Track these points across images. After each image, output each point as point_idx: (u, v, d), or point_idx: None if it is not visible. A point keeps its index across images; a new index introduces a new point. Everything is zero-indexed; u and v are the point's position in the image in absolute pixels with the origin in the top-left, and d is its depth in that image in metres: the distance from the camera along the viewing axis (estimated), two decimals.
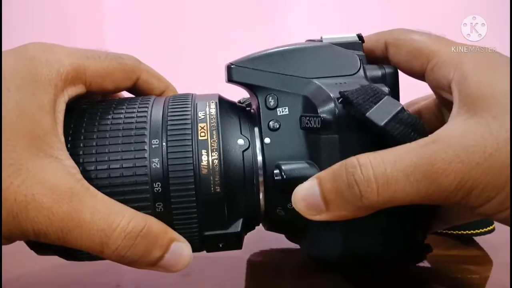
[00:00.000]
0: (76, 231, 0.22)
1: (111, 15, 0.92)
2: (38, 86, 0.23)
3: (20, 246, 0.26)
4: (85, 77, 0.26)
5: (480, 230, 0.37)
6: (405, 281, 0.32)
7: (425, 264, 0.33)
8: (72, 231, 0.22)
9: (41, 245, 0.24)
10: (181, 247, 0.25)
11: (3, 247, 0.24)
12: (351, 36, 0.29)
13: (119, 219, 0.23)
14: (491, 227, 0.38)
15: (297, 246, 0.35)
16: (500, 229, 0.37)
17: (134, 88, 0.30)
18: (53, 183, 0.22)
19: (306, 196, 0.24)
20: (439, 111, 0.29)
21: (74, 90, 0.26)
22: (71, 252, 0.25)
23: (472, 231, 0.37)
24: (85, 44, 0.28)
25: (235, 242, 0.27)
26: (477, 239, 0.38)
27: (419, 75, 0.27)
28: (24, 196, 0.22)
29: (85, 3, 0.91)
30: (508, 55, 0.25)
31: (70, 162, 0.23)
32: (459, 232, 0.38)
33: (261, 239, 0.37)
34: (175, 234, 0.25)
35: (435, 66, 0.26)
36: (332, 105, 0.25)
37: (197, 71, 0.79)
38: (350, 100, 0.24)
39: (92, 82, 0.26)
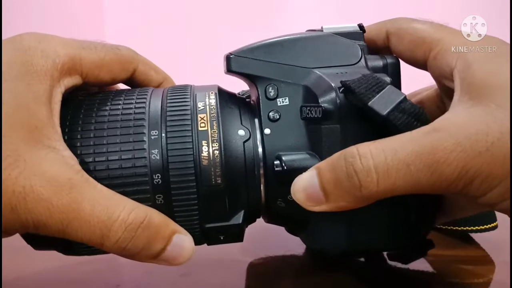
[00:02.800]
0: (76, 223, 0.22)
1: (111, 13, 0.93)
2: (33, 77, 0.23)
3: (20, 244, 0.25)
4: (81, 67, 0.26)
5: (483, 226, 0.37)
6: (405, 282, 0.31)
7: (424, 264, 0.33)
8: (72, 222, 0.22)
9: (39, 239, 0.24)
10: (183, 240, 0.25)
11: (3, 245, 0.24)
12: (352, 26, 0.29)
13: (119, 211, 0.23)
14: (493, 224, 0.37)
15: (297, 245, 0.35)
16: (502, 226, 0.37)
17: (131, 80, 0.29)
18: (52, 174, 0.22)
19: (305, 186, 0.24)
20: (441, 101, 0.29)
21: (70, 80, 0.25)
22: (69, 246, 0.25)
23: (474, 227, 0.37)
24: (85, 38, 0.28)
25: (236, 235, 0.27)
26: (478, 238, 0.38)
27: (422, 64, 0.27)
28: (23, 188, 0.21)
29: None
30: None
31: (68, 153, 0.23)
32: (461, 228, 0.37)
33: (262, 237, 0.37)
34: (176, 226, 0.25)
35: (437, 54, 0.26)
36: (333, 94, 0.24)
37: (195, 66, 0.79)
38: (352, 89, 0.23)
39: (89, 73, 0.26)
